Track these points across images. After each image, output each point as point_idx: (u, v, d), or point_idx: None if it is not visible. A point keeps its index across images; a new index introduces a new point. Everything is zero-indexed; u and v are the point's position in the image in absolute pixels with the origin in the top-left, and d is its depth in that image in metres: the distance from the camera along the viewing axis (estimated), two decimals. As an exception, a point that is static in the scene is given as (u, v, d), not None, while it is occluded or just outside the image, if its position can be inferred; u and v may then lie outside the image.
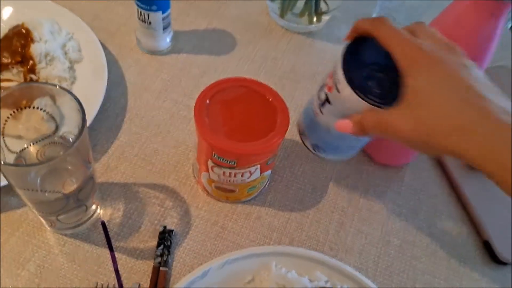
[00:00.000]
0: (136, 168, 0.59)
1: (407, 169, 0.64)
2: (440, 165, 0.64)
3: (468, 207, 0.60)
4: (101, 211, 0.55)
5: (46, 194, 0.44)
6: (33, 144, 0.47)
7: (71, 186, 0.45)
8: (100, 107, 0.60)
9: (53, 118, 0.49)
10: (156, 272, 0.51)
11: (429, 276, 0.55)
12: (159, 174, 0.59)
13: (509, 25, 0.76)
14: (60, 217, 0.49)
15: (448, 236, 0.59)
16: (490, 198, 0.61)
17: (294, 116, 0.63)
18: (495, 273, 0.57)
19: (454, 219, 0.60)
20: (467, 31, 0.47)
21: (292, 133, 0.64)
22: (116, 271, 0.51)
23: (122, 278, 0.51)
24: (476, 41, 0.47)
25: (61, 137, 0.48)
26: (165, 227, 0.54)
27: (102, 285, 0.50)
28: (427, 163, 0.65)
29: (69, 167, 0.45)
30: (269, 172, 0.55)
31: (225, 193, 0.56)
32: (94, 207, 0.53)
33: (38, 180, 0.44)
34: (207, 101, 0.50)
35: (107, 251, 0.53)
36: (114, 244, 0.53)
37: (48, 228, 0.53)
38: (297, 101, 0.68)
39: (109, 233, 0.54)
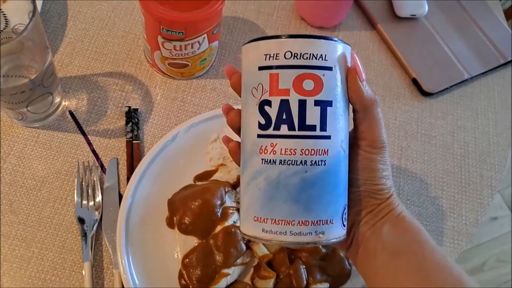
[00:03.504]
0: (90, 61, 0.62)
1: (341, 28, 0.70)
2: (369, 20, 0.71)
3: (396, 53, 0.68)
4: (66, 102, 0.58)
5: (13, 78, 0.47)
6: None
7: (34, 71, 0.48)
8: (40, 8, 0.61)
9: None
10: (130, 145, 0.56)
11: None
12: (113, 63, 0.62)
13: None
14: (29, 108, 0.52)
15: (381, 79, 0.67)
16: (413, 42, 0.69)
17: (231, -9, 0.66)
18: (424, 104, 0.66)
19: (385, 65, 0.68)
20: None
21: (232, 9, 0.68)
22: (93, 151, 0.56)
23: (99, 156, 0.56)
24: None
25: (14, 32, 0.50)
26: (129, 107, 0.59)
27: (83, 163, 0.55)
28: (358, 21, 0.71)
29: (29, 54, 0.47)
30: (216, 43, 0.60)
31: (179, 69, 0.60)
32: (59, 98, 0.56)
33: (4, 70, 0.47)
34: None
35: (81, 136, 0.57)
36: (86, 129, 0.57)
37: (19, 124, 0.56)
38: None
39: (78, 120, 0.58)
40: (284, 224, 0.32)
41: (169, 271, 0.50)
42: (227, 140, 0.38)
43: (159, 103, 0.60)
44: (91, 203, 0.52)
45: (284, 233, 0.32)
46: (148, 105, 0.60)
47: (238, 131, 0.37)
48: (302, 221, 0.32)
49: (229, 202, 0.51)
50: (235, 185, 0.53)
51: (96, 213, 0.51)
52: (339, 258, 0.51)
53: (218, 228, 0.49)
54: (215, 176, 0.55)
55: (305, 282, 0.49)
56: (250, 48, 0.34)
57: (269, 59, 0.33)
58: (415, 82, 0.66)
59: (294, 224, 0.32)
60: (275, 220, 0.33)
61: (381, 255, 0.35)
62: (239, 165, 0.37)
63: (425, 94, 0.66)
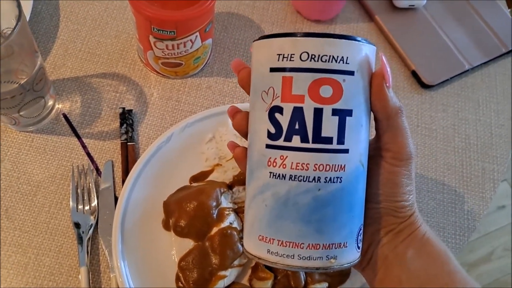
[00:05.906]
0: (83, 62, 0.61)
1: (338, 21, 0.69)
2: (367, 11, 0.69)
3: (394, 45, 0.67)
4: (60, 105, 0.58)
5: (3, 84, 0.46)
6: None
7: (24, 76, 0.48)
8: (32, 10, 0.61)
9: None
10: (124, 147, 0.56)
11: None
12: (107, 64, 0.61)
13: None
14: (22, 112, 0.51)
15: (380, 72, 0.65)
16: (411, 33, 0.67)
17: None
18: (423, 97, 0.64)
19: (384, 57, 0.66)
20: None
21: (226, 5, 0.67)
22: (88, 154, 0.56)
23: (94, 159, 0.55)
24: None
25: (2, 36, 0.50)
26: (124, 108, 0.58)
27: (78, 166, 0.54)
28: (355, 13, 0.70)
29: (18, 58, 0.46)
30: (209, 41, 0.59)
31: (173, 68, 0.59)
32: (51, 101, 0.56)
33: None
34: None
35: (75, 139, 0.56)
36: (80, 131, 0.57)
37: (13, 128, 0.55)
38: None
39: (72, 123, 0.57)
40: (292, 247, 0.30)
41: (166, 274, 0.49)
42: (232, 146, 0.36)
43: (153, 103, 0.60)
44: (87, 207, 0.52)
45: (292, 257, 0.30)
46: (142, 106, 0.59)
47: (245, 135, 0.34)
48: (312, 244, 0.30)
49: (225, 203, 0.51)
50: (231, 186, 0.53)
51: (92, 217, 0.51)
52: (338, 257, 0.51)
53: (214, 230, 0.49)
54: (211, 177, 0.54)
55: (303, 282, 0.49)
56: (261, 45, 0.32)
57: (283, 60, 0.30)
58: (414, 74, 0.65)
59: (303, 247, 0.30)
60: (282, 241, 0.30)
61: (407, 286, 0.33)
62: (245, 173, 0.34)
63: (425, 86, 0.64)
